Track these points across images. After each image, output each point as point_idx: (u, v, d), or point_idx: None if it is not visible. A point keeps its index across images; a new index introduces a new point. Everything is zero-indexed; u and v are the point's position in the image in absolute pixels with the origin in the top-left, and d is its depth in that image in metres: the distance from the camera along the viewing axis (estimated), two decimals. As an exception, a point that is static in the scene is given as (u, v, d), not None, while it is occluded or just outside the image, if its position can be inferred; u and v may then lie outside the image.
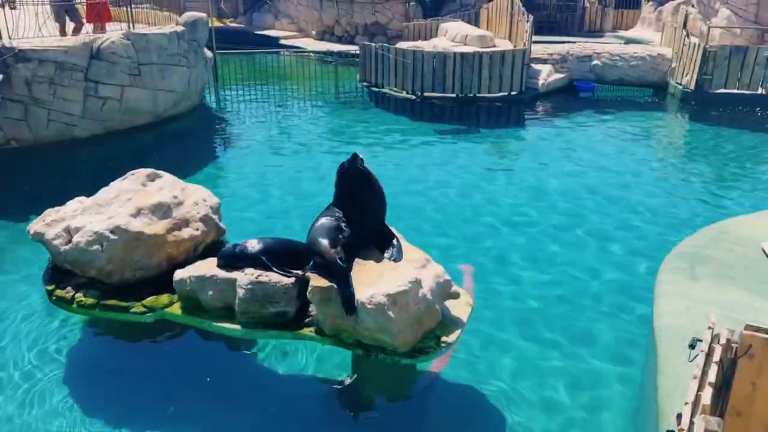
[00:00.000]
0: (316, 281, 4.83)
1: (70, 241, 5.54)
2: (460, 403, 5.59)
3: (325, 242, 4.86)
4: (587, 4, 29.22)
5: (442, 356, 5.43)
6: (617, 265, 8.06)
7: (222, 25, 26.43)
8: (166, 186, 6.19)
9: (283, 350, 6.11)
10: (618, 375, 5.92)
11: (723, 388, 3.45)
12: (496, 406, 5.47)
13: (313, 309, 5.02)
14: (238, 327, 5.10)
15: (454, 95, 16.72)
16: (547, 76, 17.87)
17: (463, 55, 16.49)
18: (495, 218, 9.50)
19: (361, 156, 5.23)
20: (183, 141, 13.87)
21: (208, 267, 5.29)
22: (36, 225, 5.83)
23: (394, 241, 5.25)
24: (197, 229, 5.87)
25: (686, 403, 3.13)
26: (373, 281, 4.75)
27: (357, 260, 5.01)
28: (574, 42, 20.47)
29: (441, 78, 16.56)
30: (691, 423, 2.97)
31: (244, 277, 5.04)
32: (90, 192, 6.20)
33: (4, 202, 9.79)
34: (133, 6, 14.04)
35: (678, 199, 10.37)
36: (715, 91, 16.56)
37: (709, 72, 16.47)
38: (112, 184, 6.22)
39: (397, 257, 5.07)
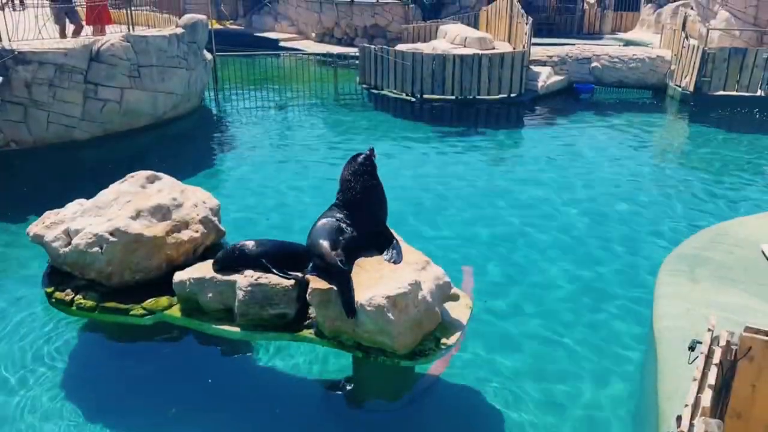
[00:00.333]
0: (316, 283, 4.83)
1: (69, 243, 5.53)
2: (460, 405, 5.59)
3: (325, 244, 4.85)
4: (586, 7, 29.27)
5: (442, 358, 5.43)
6: (617, 266, 8.06)
7: (222, 27, 26.46)
8: (166, 188, 6.19)
9: (283, 352, 6.11)
10: (619, 377, 5.92)
11: (723, 390, 3.45)
12: (497, 408, 5.47)
13: (312, 311, 5.01)
14: (237, 329, 5.10)
15: (453, 97, 16.73)
16: (546, 78, 17.89)
17: (462, 57, 16.51)
18: (494, 220, 9.50)
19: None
20: (183, 143, 13.87)
21: (208, 269, 5.28)
22: (35, 227, 5.83)
23: (394, 243, 5.24)
24: (197, 231, 5.86)
25: (686, 405, 3.13)
26: (373, 283, 4.75)
27: (356, 262, 5.01)
28: (574, 44, 20.51)
29: (440, 80, 16.58)
30: (691, 425, 2.97)
31: (244, 279, 5.03)
32: (90, 194, 6.20)
33: (4, 204, 9.79)
34: (132, 8, 14.06)
35: (677, 200, 10.37)
36: (714, 93, 16.59)
37: (708, 74, 16.49)
38: (111, 186, 6.21)
39: (397, 259, 5.06)
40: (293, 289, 5.02)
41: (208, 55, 16.23)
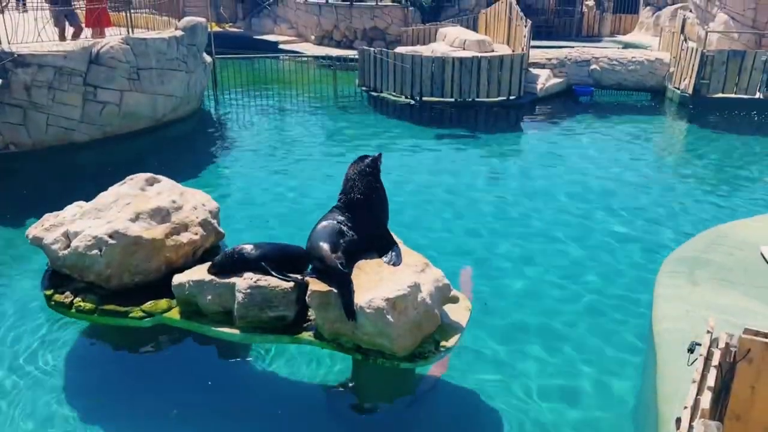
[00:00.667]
0: (315, 285, 4.83)
1: (68, 246, 5.53)
2: (460, 407, 5.59)
3: (326, 247, 4.85)
4: (585, 9, 29.33)
5: (442, 360, 5.43)
6: (616, 268, 8.06)
7: (221, 29, 26.48)
8: (165, 190, 6.19)
9: (282, 355, 6.10)
10: (619, 378, 5.92)
11: (722, 392, 3.45)
12: (496, 411, 5.46)
13: (312, 313, 5.01)
14: (236, 331, 5.10)
15: (452, 100, 16.74)
16: (545, 80, 17.91)
17: (461, 59, 16.53)
18: (494, 222, 9.50)
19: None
20: (182, 145, 13.87)
21: (207, 271, 5.28)
22: (35, 229, 5.83)
23: (394, 246, 5.24)
24: (196, 234, 5.86)
25: (685, 408, 3.13)
26: (373, 285, 4.75)
27: (356, 264, 5.00)
28: (573, 47, 20.53)
29: (440, 83, 16.59)
30: (691, 427, 2.97)
31: (243, 281, 5.03)
32: (89, 196, 6.20)
33: (3, 207, 9.78)
34: (132, 11, 14.07)
35: (676, 202, 10.38)
36: (712, 96, 16.61)
37: (706, 76, 16.52)
38: (111, 188, 6.21)
39: (397, 261, 5.07)
40: (292, 291, 5.02)
41: (208, 58, 16.24)
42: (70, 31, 13.56)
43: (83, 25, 13.89)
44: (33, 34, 12.16)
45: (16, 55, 11.28)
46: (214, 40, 17.84)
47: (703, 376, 3.34)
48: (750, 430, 3.53)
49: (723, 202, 10.38)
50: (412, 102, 16.87)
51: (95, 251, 5.39)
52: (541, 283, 7.67)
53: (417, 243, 5.90)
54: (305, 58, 22.08)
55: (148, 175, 6.41)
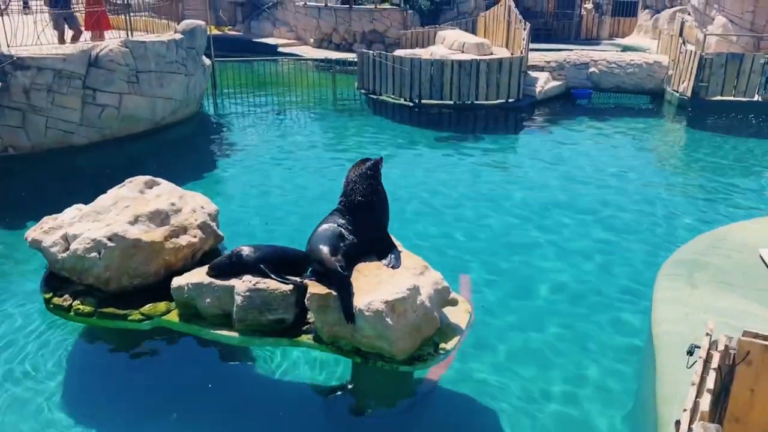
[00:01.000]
0: (314, 288, 4.82)
1: (67, 249, 5.53)
2: (459, 410, 5.58)
3: (325, 249, 4.85)
4: (584, 12, 29.38)
5: (441, 363, 5.42)
6: (616, 270, 8.06)
7: (220, 32, 26.49)
8: (164, 193, 6.19)
9: (282, 357, 6.10)
10: (618, 381, 5.92)
11: (721, 395, 3.45)
12: (495, 413, 5.46)
13: (311, 316, 5.01)
14: (236, 334, 5.09)
15: (451, 102, 16.76)
16: (544, 83, 17.93)
17: (460, 62, 16.55)
18: (493, 225, 9.51)
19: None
20: (181, 148, 13.88)
21: (206, 274, 5.28)
22: (34, 232, 5.82)
23: (394, 249, 5.24)
24: (195, 237, 5.86)
25: (685, 410, 3.14)
26: (372, 288, 4.75)
27: (355, 267, 5.00)
28: (571, 49, 20.56)
29: (438, 85, 16.61)
30: (690, 430, 2.98)
31: (242, 284, 5.03)
32: (88, 199, 6.20)
33: (2, 210, 9.78)
34: (131, 14, 14.08)
35: (675, 205, 10.39)
36: (711, 99, 16.63)
37: (705, 79, 16.54)
38: (110, 191, 6.21)
39: (396, 264, 5.07)
40: (291, 294, 5.01)
41: (207, 61, 16.25)
42: (69, 34, 13.56)
43: (82, 28, 13.89)
44: (32, 37, 12.18)
45: (15, 58, 11.28)
46: (214, 43, 17.86)
47: (703, 379, 3.34)
48: (749, 433, 3.53)
49: (721, 205, 10.39)
50: (411, 105, 16.88)
51: (94, 254, 5.39)
52: (540, 286, 7.67)
53: (414, 245, 5.90)
54: (304, 61, 22.11)
55: (147, 177, 6.41)
